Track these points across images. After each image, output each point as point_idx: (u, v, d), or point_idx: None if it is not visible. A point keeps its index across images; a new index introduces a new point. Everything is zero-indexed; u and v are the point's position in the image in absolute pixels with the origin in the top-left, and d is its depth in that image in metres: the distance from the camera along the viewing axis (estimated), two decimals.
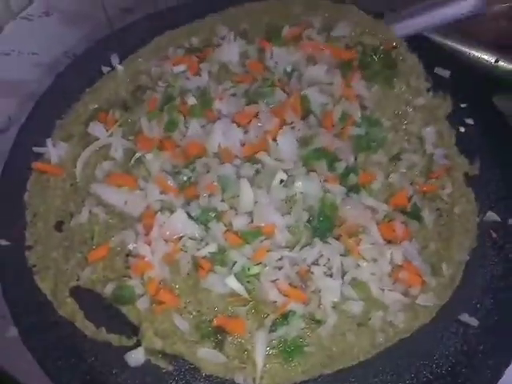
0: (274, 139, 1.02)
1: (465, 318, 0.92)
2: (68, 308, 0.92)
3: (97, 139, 1.06)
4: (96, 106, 1.13)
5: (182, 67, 1.13)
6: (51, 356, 0.88)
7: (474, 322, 0.91)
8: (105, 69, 1.20)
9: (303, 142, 1.03)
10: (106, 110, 1.11)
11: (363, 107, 1.09)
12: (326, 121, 1.06)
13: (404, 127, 1.09)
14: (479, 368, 0.87)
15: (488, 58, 1.23)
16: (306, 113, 1.07)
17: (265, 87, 1.10)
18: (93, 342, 0.89)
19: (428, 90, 1.14)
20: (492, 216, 1.01)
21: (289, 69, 1.14)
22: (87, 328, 0.91)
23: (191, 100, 1.07)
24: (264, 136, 1.03)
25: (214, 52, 1.16)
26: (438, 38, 1.25)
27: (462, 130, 1.11)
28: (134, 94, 1.14)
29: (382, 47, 1.18)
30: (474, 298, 0.94)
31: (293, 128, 1.04)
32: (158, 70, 1.16)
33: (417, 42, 1.20)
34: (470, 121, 1.12)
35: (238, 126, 1.04)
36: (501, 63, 1.22)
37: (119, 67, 1.18)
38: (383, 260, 0.94)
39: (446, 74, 1.17)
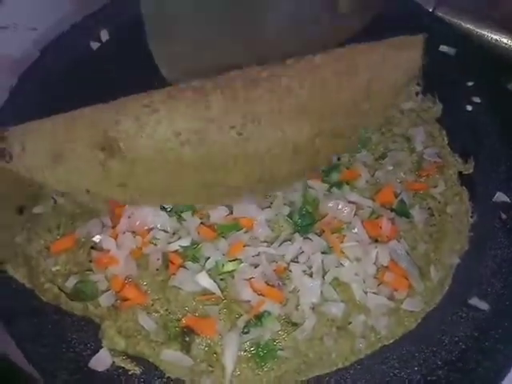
0: None
1: (475, 301, 0.88)
2: (49, 293, 0.86)
3: None
4: None
5: None
6: (35, 343, 0.83)
7: (484, 306, 0.87)
8: (94, 44, 1.13)
9: None
10: None
11: None
12: None
13: (390, 128, 1.04)
14: (490, 353, 0.83)
15: (507, 41, 1.21)
16: None
17: None
18: (80, 329, 0.85)
19: (417, 94, 1.09)
20: (501, 197, 0.97)
21: None
22: (74, 308, 0.85)
23: None
24: None
25: None
26: (455, 20, 1.22)
27: (469, 108, 1.07)
28: None
29: None
30: (484, 281, 0.90)
31: None
32: None
33: (424, 20, 1.16)
34: (476, 99, 1.08)
35: None
36: None
37: None
38: (367, 260, 0.88)
39: (451, 51, 1.13)
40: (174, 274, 0.85)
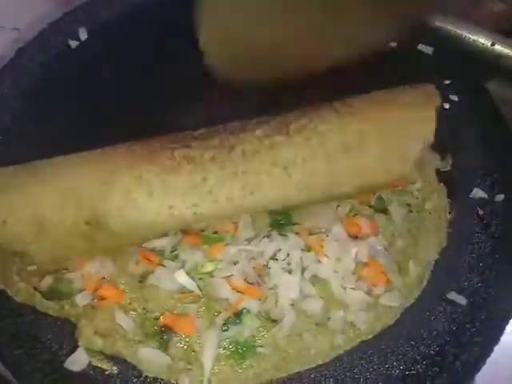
0: None
1: (453, 296, 0.89)
2: (23, 293, 0.85)
3: None
4: None
5: None
6: (10, 345, 0.81)
7: (461, 300, 0.88)
8: (73, 43, 1.12)
9: None
10: None
11: None
12: None
13: None
14: (468, 346, 0.84)
15: (484, 41, 1.22)
16: None
17: None
18: (57, 329, 0.83)
19: None
20: (478, 193, 0.98)
21: None
22: (50, 307, 0.84)
23: None
24: None
25: None
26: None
27: (447, 106, 1.08)
28: None
29: None
30: (462, 275, 0.91)
31: None
32: None
33: None
34: (454, 97, 1.09)
35: None
36: (497, 47, 1.20)
37: None
38: (347, 257, 0.88)
39: (429, 50, 1.14)
40: (152, 272, 0.84)
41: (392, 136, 0.86)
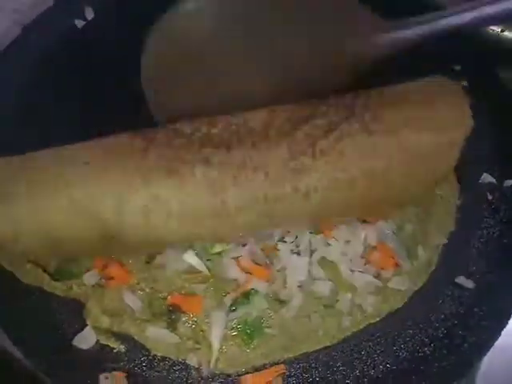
0: None
1: (461, 280, 0.89)
2: (30, 275, 0.85)
3: None
4: None
5: None
6: (19, 324, 0.81)
7: (469, 284, 0.89)
8: (79, 22, 1.10)
9: None
10: None
11: None
12: None
13: None
14: (475, 329, 0.84)
15: (495, 27, 1.18)
16: None
17: None
18: (66, 308, 0.84)
19: None
20: (487, 178, 0.98)
21: None
22: (57, 288, 0.84)
23: None
24: None
25: None
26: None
27: None
28: None
29: None
30: (470, 260, 0.91)
31: None
32: None
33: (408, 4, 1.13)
34: (464, 83, 1.07)
35: None
36: (506, 33, 1.18)
37: None
38: (356, 240, 0.88)
39: None
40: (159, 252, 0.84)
41: (420, 162, 0.81)
